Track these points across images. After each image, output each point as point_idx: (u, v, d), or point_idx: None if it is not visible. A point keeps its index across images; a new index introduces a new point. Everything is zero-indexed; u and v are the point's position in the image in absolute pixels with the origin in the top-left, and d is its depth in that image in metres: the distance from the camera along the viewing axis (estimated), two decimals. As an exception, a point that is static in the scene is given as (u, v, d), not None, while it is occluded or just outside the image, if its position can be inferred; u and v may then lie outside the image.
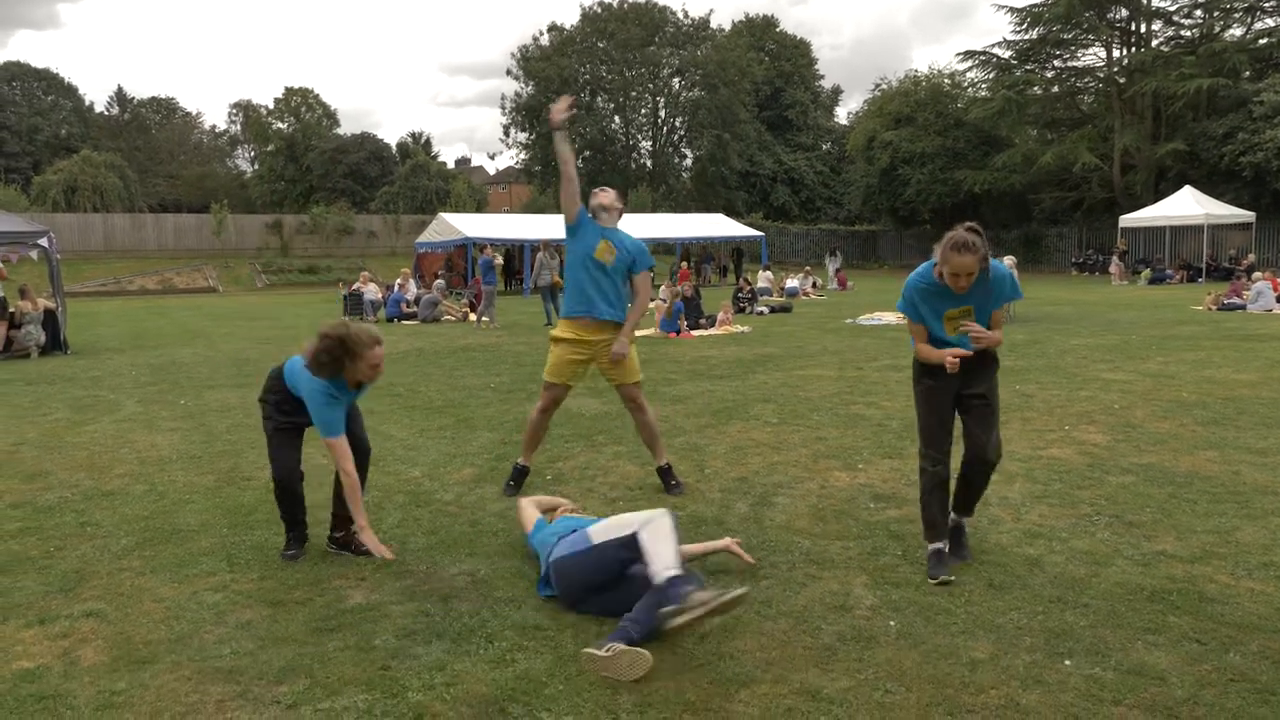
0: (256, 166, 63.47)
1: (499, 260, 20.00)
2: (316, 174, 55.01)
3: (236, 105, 67.67)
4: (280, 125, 61.10)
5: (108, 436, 6.98)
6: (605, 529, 3.49)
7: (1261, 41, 33.31)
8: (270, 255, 39.59)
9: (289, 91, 61.75)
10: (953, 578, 3.61)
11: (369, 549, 3.98)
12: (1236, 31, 34.93)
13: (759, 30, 55.17)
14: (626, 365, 4.98)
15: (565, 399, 5.23)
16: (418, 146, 63.08)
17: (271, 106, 62.01)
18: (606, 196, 5.06)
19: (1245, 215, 28.04)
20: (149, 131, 64.92)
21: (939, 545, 3.74)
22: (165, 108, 67.32)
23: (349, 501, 4.01)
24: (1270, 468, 5.22)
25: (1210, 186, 30.42)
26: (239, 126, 66.53)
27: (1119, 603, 3.39)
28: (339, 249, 41.49)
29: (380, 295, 19.83)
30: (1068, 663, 2.92)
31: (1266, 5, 34.42)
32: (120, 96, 65.39)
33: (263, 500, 5.03)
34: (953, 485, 3.90)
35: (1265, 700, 2.66)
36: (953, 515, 3.90)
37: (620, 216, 5.09)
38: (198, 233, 39.59)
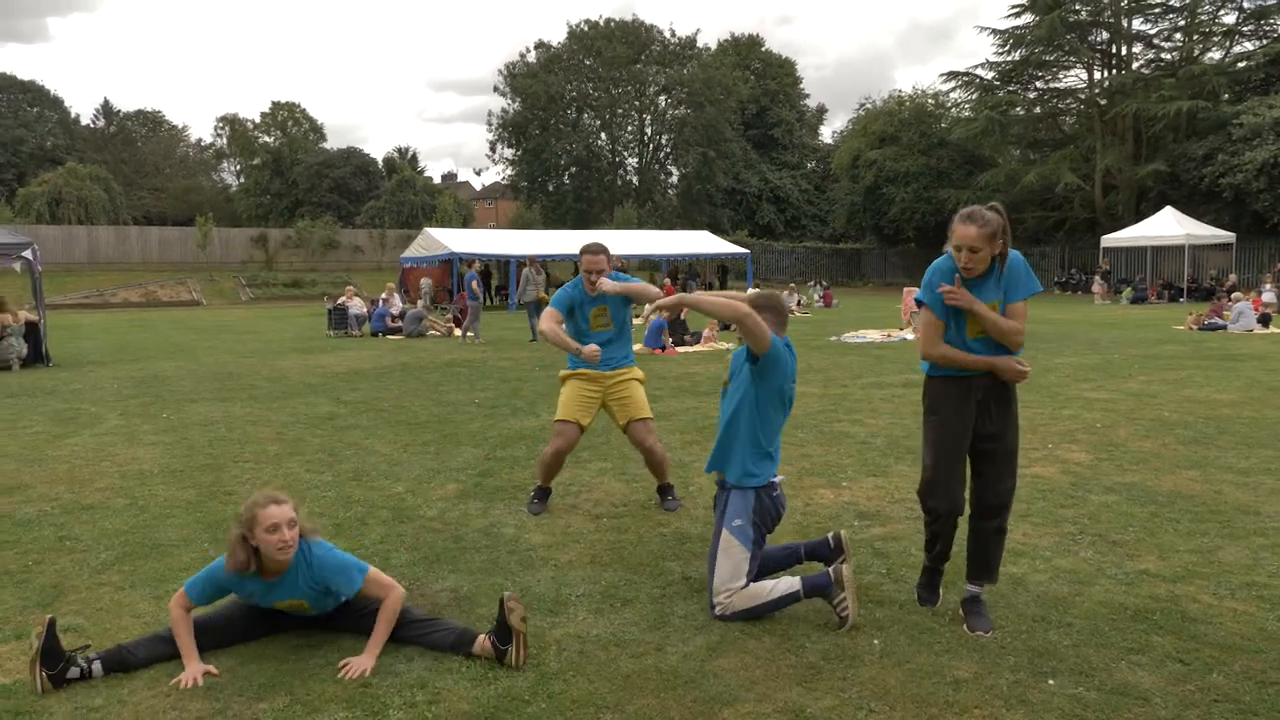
0: (242, 180, 63.24)
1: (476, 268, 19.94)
2: (302, 188, 54.89)
3: (223, 119, 67.37)
4: (266, 139, 60.98)
5: (88, 450, 6.91)
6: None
7: (1240, 65, 33.90)
8: (255, 269, 39.40)
9: (276, 106, 61.66)
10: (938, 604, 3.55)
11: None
12: (1216, 55, 35.58)
13: (744, 49, 55.60)
14: (635, 399, 4.95)
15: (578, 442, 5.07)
16: (404, 161, 63.07)
17: (258, 120, 61.90)
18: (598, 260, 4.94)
19: (1225, 236, 28.40)
20: (135, 144, 64.64)
21: (937, 568, 3.60)
22: (151, 120, 67.08)
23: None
24: (1251, 487, 5.26)
25: (1191, 207, 30.80)
26: (225, 140, 66.29)
27: (1102, 622, 3.40)
28: (324, 263, 41.35)
29: (365, 310, 19.76)
30: (1051, 682, 2.93)
31: (1245, 29, 35.07)
32: (106, 109, 65.13)
33: (244, 516, 4.99)
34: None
35: None
36: (969, 586, 3.44)
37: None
38: (182, 246, 39.36)
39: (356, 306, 19.48)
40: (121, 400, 9.56)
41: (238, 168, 65.62)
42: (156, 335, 19.24)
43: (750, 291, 3.95)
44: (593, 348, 4.80)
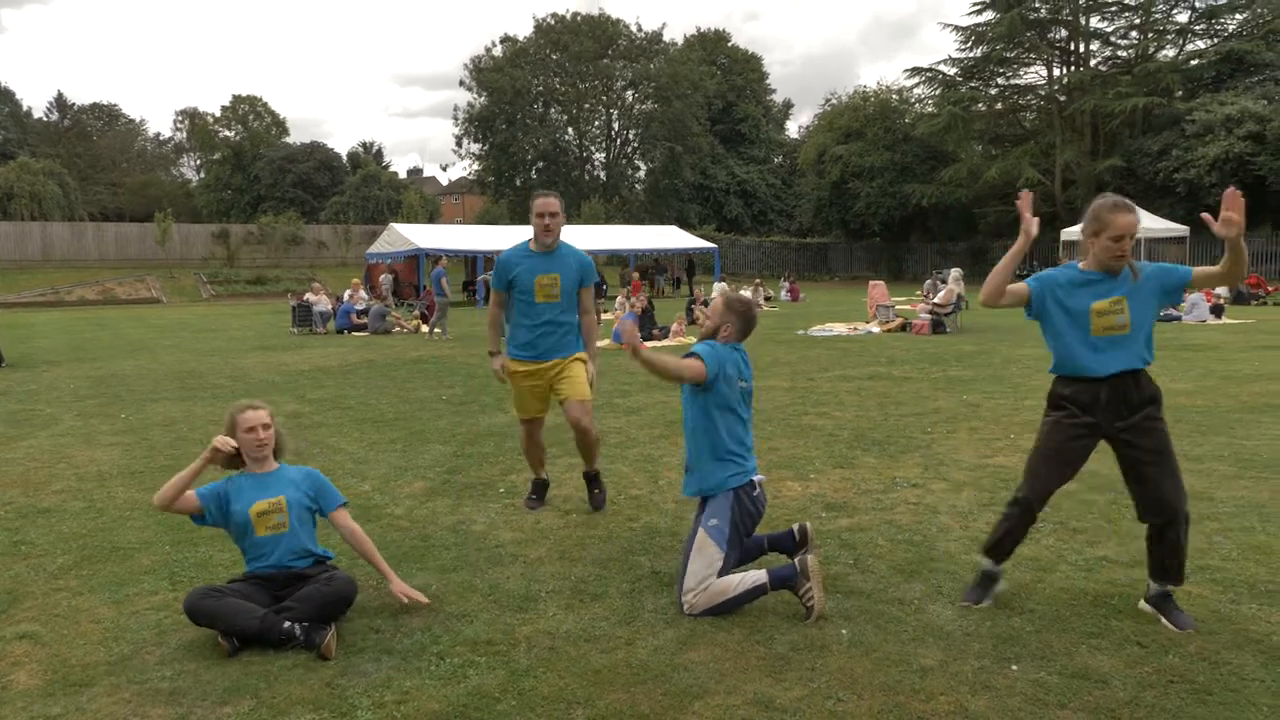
0: (202, 175, 62.21)
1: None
2: (265, 183, 54.16)
3: (182, 113, 66.32)
4: (227, 133, 60.06)
5: (44, 452, 6.76)
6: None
7: (1193, 63, 34.67)
8: (216, 265, 38.81)
9: (236, 99, 60.79)
10: (985, 604, 3.44)
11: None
12: (1170, 53, 36.34)
13: (711, 45, 55.74)
14: (576, 379, 4.77)
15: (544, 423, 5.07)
16: (369, 156, 62.51)
17: (218, 114, 60.94)
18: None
19: (1180, 230, 28.97)
20: (90, 138, 63.28)
21: (994, 570, 3.50)
22: (107, 114, 65.70)
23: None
24: (1204, 474, 5.38)
25: (1146, 201, 31.41)
26: (184, 134, 65.15)
27: (1063, 608, 3.46)
28: (288, 259, 40.82)
29: (330, 306, 19.54)
30: (1014, 668, 2.98)
31: (1197, 28, 35.85)
32: (60, 102, 63.65)
33: (207, 516, 4.91)
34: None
35: (1202, 700, 2.74)
36: (1153, 584, 3.35)
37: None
38: (140, 242, 38.66)
39: (322, 303, 19.26)
40: (78, 400, 9.37)
41: (198, 162, 64.58)
42: (115, 334, 18.86)
43: (722, 295, 3.96)
44: (499, 364, 4.82)
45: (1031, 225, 3.28)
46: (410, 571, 4.00)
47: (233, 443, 3.52)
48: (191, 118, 63.41)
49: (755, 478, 3.69)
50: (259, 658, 3.16)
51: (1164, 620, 3.28)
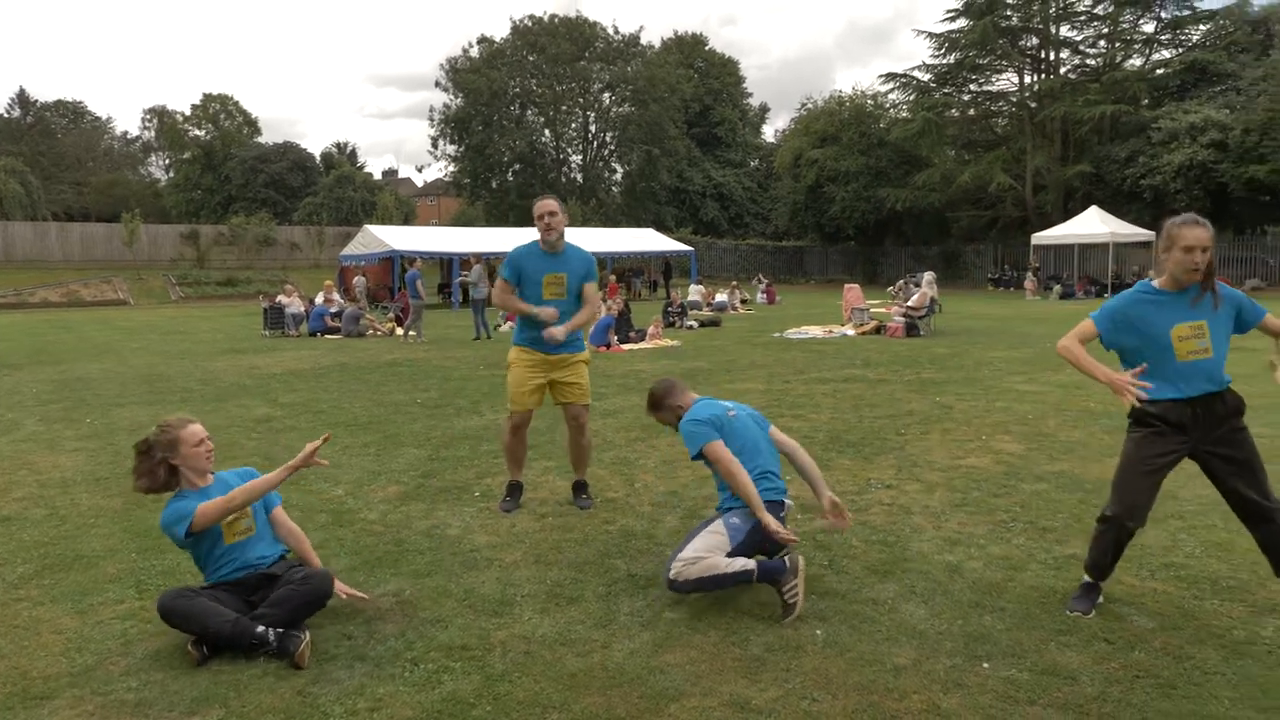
0: (171, 175, 61.34)
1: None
2: (236, 183, 53.53)
3: (150, 111, 65.29)
4: (198, 132, 59.28)
5: (4, 458, 6.64)
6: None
7: (1158, 72, 35.36)
8: (186, 267, 38.30)
9: (207, 98, 59.99)
10: (1091, 614, 3.40)
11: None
12: (1136, 62, 36.95)
13: (688, 48, 55.88)
14: (581, 386, 4.95)
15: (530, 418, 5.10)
16: (343, 157, 62.00)
17: (188, 113, 60.14)
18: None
19: (1146, 234, 29.42)
20: (54, 136, 62.13)
21: (1095, 582, 3.48)
22: (72, 111, 64.54)
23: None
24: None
25: (1114, 206, 31.90)
26: (153, 133, 64.21)
27: (1034, 606, 3.50)
28: (259, 260, 40.38)
29: (303, 308, 19.36)
30: (986, 665, 3.01)
31: (1163, 38, 36.52)
32: (22, 99, 62.39)
33: (176, 521, 4.85)
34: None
35: (1167, 695, 2.78)
36: None
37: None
38: (107, 243, 38.08)
39: (294, 306, 19.08)
40: (41, 405, 9.21)
41: (166, 162, 63.65)
42: (80, 336, 18.57)
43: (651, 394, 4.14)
44: (551, 311, 4.76)
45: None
46: (384, 577, 3.97)
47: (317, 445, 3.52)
48: (160, 116, 62.53)
49: (786, 500, 3.79)
50: (228, 666, 3.12)
51: None
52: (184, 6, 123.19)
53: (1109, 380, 3.21)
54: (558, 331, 4.76)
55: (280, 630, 3.18)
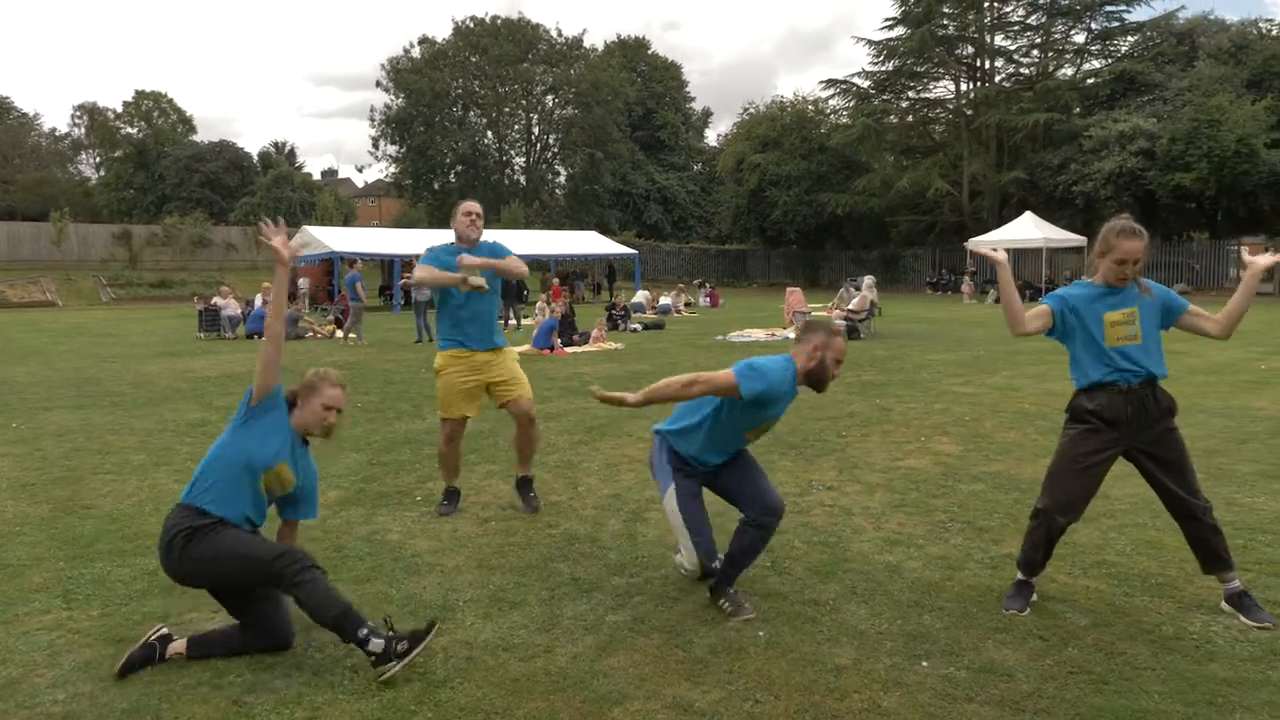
0: (102, 173, 59.36)
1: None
2: (170, 182, 52.04)
3: (81, 107, 63.10)
4: (130, 130, 57.44)
5: (-77, 465, 6.35)
6: None
7: (1089, 81, 36.51)
8: (117, 268, 37.09)
9: (140, 95, 58.18)
10: (1026, 612, 3.46)
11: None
12: (1068, 71, 38.16)
13: (631, 51, 55.98)
14: (518, 379, 4.91)
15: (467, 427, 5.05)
16: (281, 157, 60.68)
17: (120, 110, 58.24)
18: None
19: (1078, 240, 30.36)
20: (-23, 132, 59.76)
21: (1027, 579, 3.55)
22: (-2, 107, 62.17)
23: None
24: (1102, 473, 5.64)
25: (1047, 212, 32.83)
26: (83, 130, 62.07)
27: (971, 604, 3.58)
28: (194, 261, 39.33)
29: (240, 310, 18.91)
30: (925, 664, 3.06)
31: (1093, 49, 37.81)
32: (-56, 94, 59.97)
33: (105, 530, 4.69)
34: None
35: (1100, 690, 2.86)
36: (1224, 587, 3.44)
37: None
38: (34, 242, 36.71)
39: (230, 308, 18.62)
40: (-36, 409, 8.83)
41: (97, 160, 61.58)
42: (5, 338, 17.85)
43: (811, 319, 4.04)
44: (479, 280, 4.72)
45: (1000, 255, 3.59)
46: (323, 583, 3.89)
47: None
48: (91, 113, 60.45)
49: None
50: (160, 676, 3.03)
51: (1242, 618, 3.32)
52: (117, 1, 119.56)
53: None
54: (472, 260, 4.71)
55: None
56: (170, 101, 59.31)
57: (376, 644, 2.96)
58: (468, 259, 4.74)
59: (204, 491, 3.24)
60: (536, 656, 3.16)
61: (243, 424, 3.32)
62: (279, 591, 3.14)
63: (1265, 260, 3.33)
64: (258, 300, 19.70)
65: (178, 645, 3.17)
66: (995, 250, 3.68)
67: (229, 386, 10.33)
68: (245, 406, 3.33)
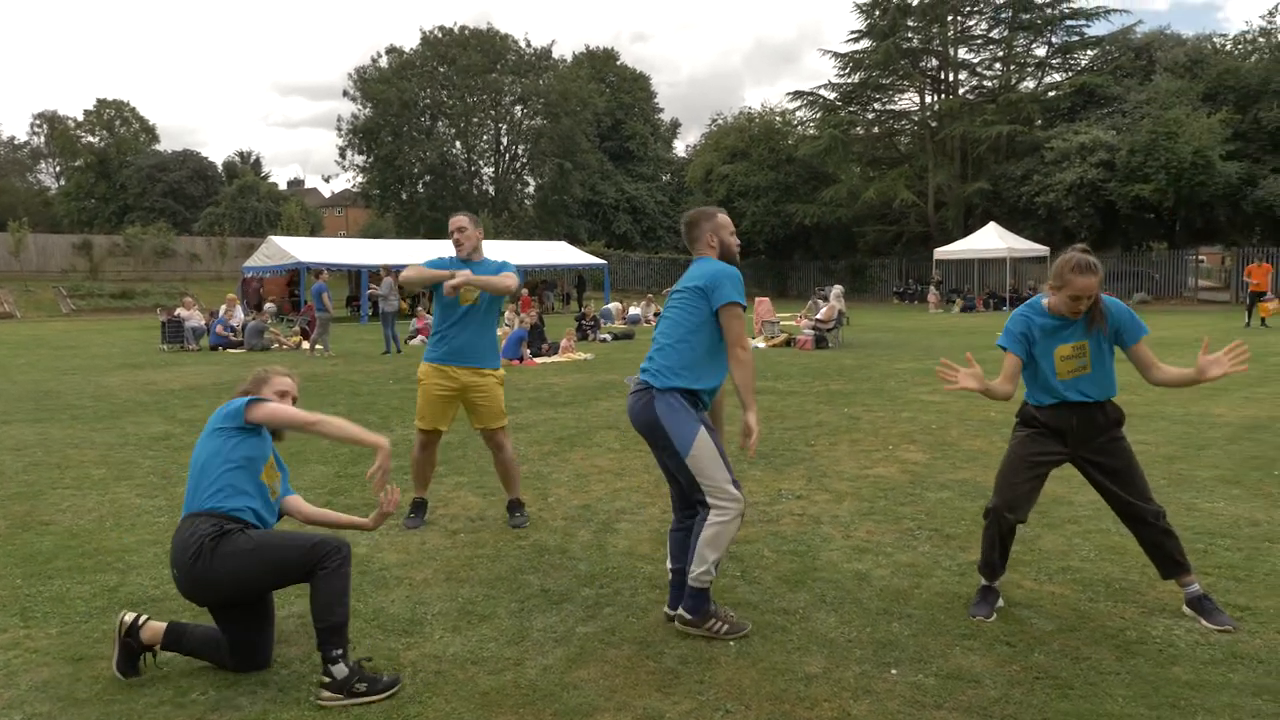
0: (63, 183, 58.32)
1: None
2: (132, 192, 51.25)
3: (40, 116, 61.84)
4: (91, 139, 56.52)
5: (-127, 481, 6.17)
6: None
7: (1050, 94, 37.25)
8: (78, 278, 36.40)
9: (101, 104, 57.28)
10: (993, 618, 3.50)
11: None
12: (1030, 84, 38.90)
13: (600, 62, 56.10)
14: (494, 409, 4.86)
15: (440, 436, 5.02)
16: (246, 166, 60.01)
17: (81, 119, 57.31)
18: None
19: (1041, 249, 30.86)
20: (-68, 140, 58.48)
21: (990, 584, 3.61)
22: (-48, 115, 60.88)
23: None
24: (1064, 479, 5.68)
25: (1011, 223, 33.36)
26: (42, 139, 60.98)
27: (939, 611, 3.61)
28: (157, 272, 38.70)
29: (204, 322, 18.63)
30: (894, 671, 3.08)
31: (1054, 62, 38.58)
32: (-103, 101, 58.63)
33: (64, 547, 4.59)
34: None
35: (1065, 695, 2.90)
36: (1184, 591, 3.50)
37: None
38: (-9, 253, 35.91)
39: (194, 319, 18.35)
40: (-84, 424, 8.61)
41: (57, 169, 60.51)
42: (-41, 352, 17.44)
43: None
44: (465, 272, 4.65)
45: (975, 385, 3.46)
46: (288, 598, 3.84)
47: None
48: (51, 122, 59.42)
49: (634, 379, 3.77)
50: (121, 694, 2.97)
51: (1203, 621, 3.38)
52: (77, 7, 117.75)
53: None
54: (460, 278, 4.64)
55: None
56: (133, 110, 58.53)
57: (339, 670, 2.91)
58: (459, 278, 4.66)
59: (213, 494, 3.20)
60: (506, 670, 3.14)
61: (237, 431, 3.30)
62: (310, 581, 3.01)
63: (1216, 373, 3.40)
64: (221, 310, 19.43)
65: (155, 625, 3.13)
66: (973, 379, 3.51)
67: (193, 399, 10.17)
68: (239, 419, 3.28)
